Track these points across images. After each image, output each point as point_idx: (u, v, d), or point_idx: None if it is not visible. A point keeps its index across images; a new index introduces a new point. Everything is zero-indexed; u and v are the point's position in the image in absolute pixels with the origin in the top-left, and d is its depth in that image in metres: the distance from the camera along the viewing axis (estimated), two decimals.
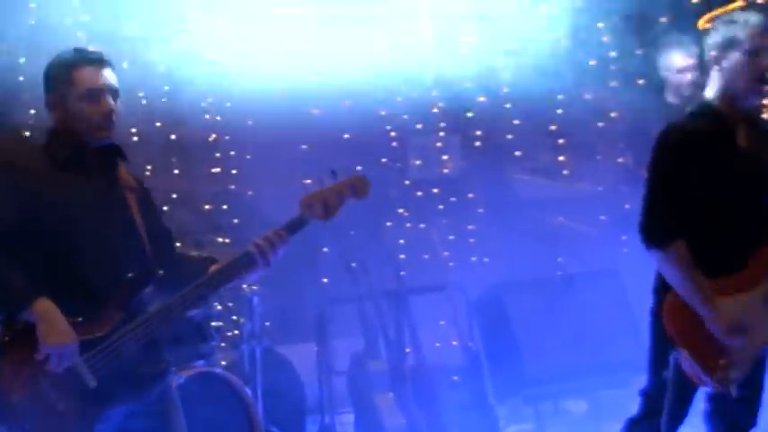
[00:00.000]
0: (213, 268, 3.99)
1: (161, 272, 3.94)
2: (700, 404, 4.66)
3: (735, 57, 4.34)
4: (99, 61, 3.91)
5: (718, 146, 4.36)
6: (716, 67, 4.41)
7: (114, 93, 3.91)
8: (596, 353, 6.76)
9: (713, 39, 4.43)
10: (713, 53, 4.40)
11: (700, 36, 4.62)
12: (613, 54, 8.09)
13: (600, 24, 8.21)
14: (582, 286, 7.02)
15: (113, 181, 3.98)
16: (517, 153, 7.93)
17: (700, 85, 4.65)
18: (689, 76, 7.04)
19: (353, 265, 6.63)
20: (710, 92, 4.45)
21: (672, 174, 4.35)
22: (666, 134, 4.41)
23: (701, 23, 9.06)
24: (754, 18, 4.41)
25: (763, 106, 8.57)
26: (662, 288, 4.42)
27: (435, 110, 7.79)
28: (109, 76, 3.91)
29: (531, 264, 7.32)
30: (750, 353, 4.40)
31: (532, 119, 7.92)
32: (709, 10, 9.20)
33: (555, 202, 7.94)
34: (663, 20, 8.39)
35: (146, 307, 3.91)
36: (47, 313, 3.66)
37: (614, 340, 6.72)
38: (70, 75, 3.86)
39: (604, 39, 8.23)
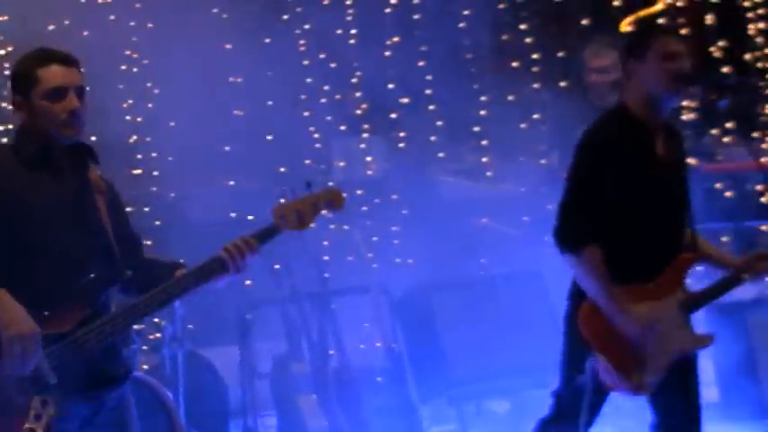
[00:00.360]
0: (180, 272, 3.96)
1: (129, 273, 3.92)
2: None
3: (651, 60, 4.40)
4: (65, 60, 3.88)
5: (634, 151, 4.40)
6: (633, 71, 4.46)
7: (80, 91, 3.88)
8: (519, 353, 6.81)
9: (631, 41, 4.49)
10: (631, 56, 4.46)
11: (621, 38, 4.67)
12: (536, 56, 8.18)
13: (522, 26, 8.29)
14: (505, 287, 7.06)
15: (83, 181, 3.95)
16: (441, 154, 7.98)
17: (620, 87, 4.70)
18: (610, 78, 7.12)
19: (276, 266, 6.61)
20: (628, 95, 4.49)
21: (586, 178, 4.39)
22: (584, 139, 4.45)
23: (623, 26, 9.21)
24: (668, 21, 4.48)
25: (683, 108, 8.74)
26: (577, 293, 4.45)
27: (359, 111, 7.81)
28: (74, 74, 3.89)
29: (454, 265, 7.35)
30: (663, 360, 4.45)
31: (456, 120, 7.97)
32: (631, 13, 9.35)
33: (478, 203, 8.00)
34: (584, 22, 8.50)
35: (111, 308, 3.89)
36: (4, 303, 3.61)
37: (537, 341, 6.76)
38: (36, 73, 3.83)
39: (527, 41, 8.32)
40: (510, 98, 8.01)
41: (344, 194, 4.32)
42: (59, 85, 3.83)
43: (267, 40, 7.42)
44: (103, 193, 4.01)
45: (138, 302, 3.85)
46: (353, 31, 7.75)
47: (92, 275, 3.80)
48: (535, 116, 7.94)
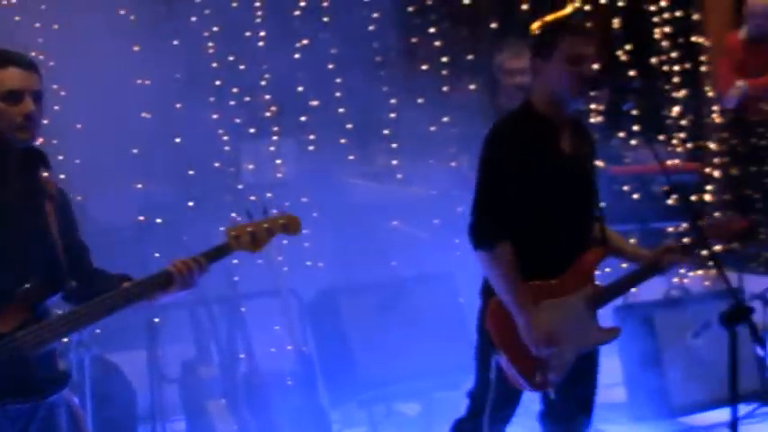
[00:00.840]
0: (126, 284, 3.92)
1: (73, 283, 3.89)
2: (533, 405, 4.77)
3: (557, 60, 4.45)
4: (23, 63, 3.84)
5: (539, 147, 4.44)
6: (539, 69, 4.51)
7: (37, 96, 3.84)
8: (429, 355, 6.84)
9: (539, 41, 4.54)
10: (538, 55, 4.51)
11: (530, 40, 4.72)
12: (445, 59, 8.23)
13: (432, 29, 8.34)
14: (415, 289, 7.09)
15: (33, 186, 3.91)
16: (350, 157, 7.99)
17: (529, 89, 4.75)
18: (519, 79, 7.19)
19: None
20: (534, 93, 4.55)
21: (495, 175, 4.43)
22: (491, 135, 4.49)
23: (533, 29, 9.28)
24: (575, 23, 4.54)
25: (591, 111, 8.85)
26: (488, 290, 4.49)
27: (268, 114, 7.79)
28: (32, 78, 3.84)
29: (364, 268, 7.37)
30: (567, 357, 4.50)
31: (366, 123, 7.99)
32: (539, 17, 9.44)
33: (388, 205, 8.02)
34: (493, 25, 8.57)
35: (51, 315, 3.85)
36: None
37: (447, 342, 6.81)
38: None
39: (436, 44, 8.37)
40: (420, 101, 8.05)
41: (300, 221, 4.30)
42: (16, 88, 3.79)
43: (175, 42, 7.37)
44: (54, 199, 3.96)
45: (79, 310, 3.82)
46: (262, 33, 7.73)
47: (34, 282, 3.76)
48: (445, 119, 7.98)
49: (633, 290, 8.80)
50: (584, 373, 4.60)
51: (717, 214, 9.17)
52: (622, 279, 4.71)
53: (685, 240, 4.90)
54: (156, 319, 6.68)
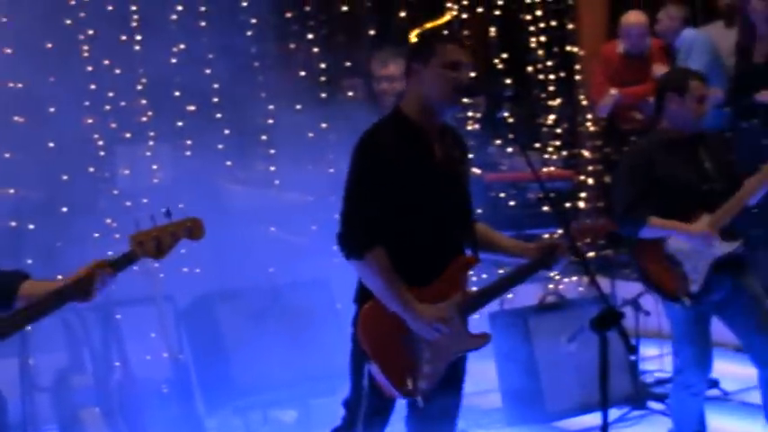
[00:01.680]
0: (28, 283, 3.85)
1: None
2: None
3: (432, 68, 4.48)
4: None
5: (410, 153, 4.45)
6: (414, 75, 4.53)
7: None
8: (306, 362, 6.84)
9: (415, 46, 4.56)
10: (412, 64, 4.53)
11: (407, 47, 4.75)
12: (323, 66, 8.24)
13: (309, 36, 8.35)
14: (292, 295, 7.09)
15: None
16: (228, 163, 7.95)
17: (401, 95, 4.77)
18: (396, 85, 7.25)
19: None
20: (407, 101, 4.57)
21: (364, 183, 4.43)
22: (360, 143, 4.48)
23: (411, 37, 9.37)
24: (451, 31, 4.57)
25: (467, 119, 8.95)
26: (362, 297, 4.50)
27: (144, 119, 7.72)
28: None
29: (241, 274, 7.34)
30: (440, 364, 4.53)
31: (243, 129, 7.96)
32: (417, 25, 9.53)
33: (266, 212, 7.99)
34: (371, 33, 8.61)
35: None
36: None
37: (324, 349, 6.82)
38: None
39: (314, 50, 8.38)
40: (298, 107, 8.05)
41: (203, 224, 4.29)
42: None
43: (49, 45, 7.26)
44: None
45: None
46: (138, 38, 7.66)
47: None
48: (323, 125, 8.00)
49: (509, 296, 8.95)
50: (452, 380, 4.63)
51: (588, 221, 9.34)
52: (496, 282, 4.73)
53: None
54: (28, 327, 6.56)
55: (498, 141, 9.28)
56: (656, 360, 8.27)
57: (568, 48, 10.32)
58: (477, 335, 4.64)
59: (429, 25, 9.56)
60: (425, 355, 4.46)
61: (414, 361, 4.45)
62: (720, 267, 5.87)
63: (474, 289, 4.70)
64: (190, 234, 4.22)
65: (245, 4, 8.03)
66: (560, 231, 7.58)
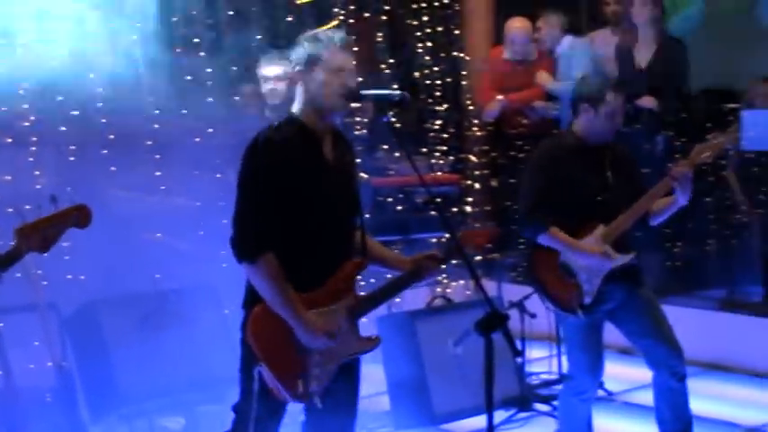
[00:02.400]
0: None
1: None
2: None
3: (318, 73, 4.50)
4: None
5: (303, 158, 4.47)
6: (301, 82, 4.55)
7: None
8: (193, 368, 6.80)
9: (299, 54, 4.57)
10: (299, 68, 4.54)
11: (294, 51, 4.74)
12: (209, 70, 8.19)
13: (196, 40, 8.29)
14: (178, 301, 7.04)
15: None
16: (113, 168, 7.85)
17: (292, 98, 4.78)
18: (282, 87, 7.25)
19: None
20: (296, 105, 4.58)
21: (256, 186, 4.42)
22: (252, 146, 4.48)
23: (300, 41, 9.35)
24: (337, 36, 4.59)
25: (355, 123, 8.97)
26: (251, 302, 4.50)
27: (27, 123, 7.58)
28: None
29: (126, 280, 7.26)
30: (330, 366, 4.55)
31: (128, 134, 7.87)
32: (305, 29, 9.51)
33: (152, 217, 7.92)
34: (259, 37, 8.58)
35: None
36: None
37: (211, 355, 6.79)
38: None
39: (201, 54, 8.32)
40: (184, 112, 7.99)
41: (90, 211, 4.24)
42: None
43: None
44: None
45: None
46: (21, 41, 7.52)
47: None
48: (210, 130, 7.95)
49: (397, 299, 9.01)
50: (346, 381, 4.66)
51: (477, 225, 9.42)
52: (383, 288, 4.78)
53: (439, 249, 5.00)
54: None
55: (386, 146, 9.30)
56: (543, 362, 8.39)
57: (455, 53, 10.41)
58: (366, 338, 4.68)
59: (316, 30, 9.54)
60: (315, 359, 4.48)
61: (303, 364, 4.47)
62: (613, 277, 5.95)
63: (363, 293, 4.73)
64: (77, 222, 4.16)
65: (130, 7, 7.94)
66: (447, 235, 7.64)
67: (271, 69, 7.42)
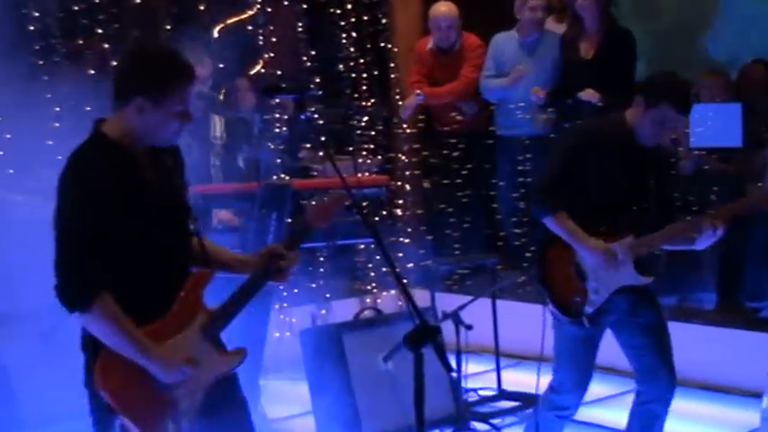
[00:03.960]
0: None
1: None
2: None
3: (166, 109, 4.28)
4: None
5: (122, 180, 4.28)
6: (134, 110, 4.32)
7: None
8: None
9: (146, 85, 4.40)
10: (140, 99, 4.29)
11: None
12: (114, 63, 8.15)
13: (99, 30, 8.25)
14: None
15: None
16: (10, 171, 7.79)
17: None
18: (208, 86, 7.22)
19: None
20: (113, 126, 4.34)
21: (80, 219, 4.17)
22: (66, 173, 4.25)
23: (214, 32, 9.35)
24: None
25: (275, 121, 8.95)
26: (91, 345, 4.31)
27: None
28: None
29: (25, 294, 7.19)
30: (198, 394, 4.43)
31: (26, 133, 7.82)
32: (219, 20, 9.51)
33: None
34: (168, 27, 8.56)
35: None
36: None
37: None
38: None
39: (105, 46, 8.28)
40: (88, 108, 7.93)
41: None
42: None
43: None
44: None
45: None
46: None
47: None
48: None
49: (323, 311, 9.00)
50: (226, 400, 4.56)
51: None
52: (233, 296, 4.55)
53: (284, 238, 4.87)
54: None
55: (308, 145, 9.30)
56: (482, 377, 8.44)
57: (382, 44, 10.43)
58: (230, 352, 4.55)
59: (231, 21, 9.55)
60: (179, 392, 4.35)
61: (169, 403, 4.34)
62: (622, 291, 5.91)
63: (214, 307, 4.53)
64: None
65: None
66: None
67: (199, 69, 7.39)
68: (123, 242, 4.24)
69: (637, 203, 5.88)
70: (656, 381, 5.98)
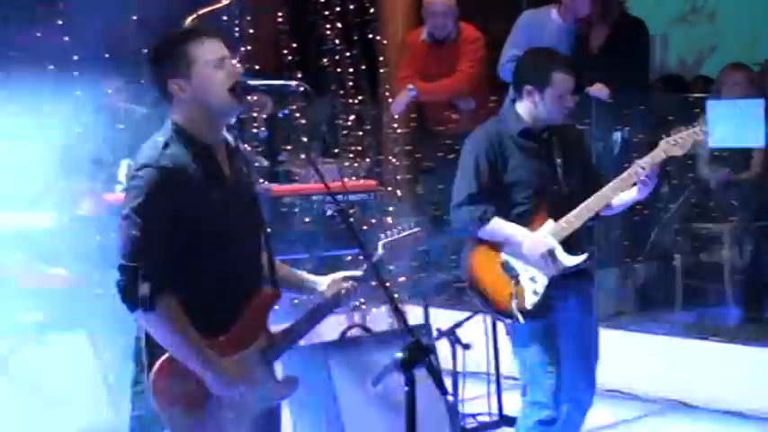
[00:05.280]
0: None
1: None
2: None
3: (197, 74, 4.42)
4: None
5: (198, 178, 4.37)
6: (178, 90, 4.44)
7: None
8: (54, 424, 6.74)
9: (165, 60, 4.46)
10: (170, 76, 4.44)
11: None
12: (76, 57, 8.15)
13: (59, 21, 8.24)
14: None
15: None
16: None
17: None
18: None
19: None
20: (182, 114, 4.46)
21: (149, 216, 4.28)
22: (134, 171, 4.39)
23: (188, 22, 9.33)
24: (203, 28, 4.57)
25: (253, 120, 8.93)
26: (149, 354, 4.38)
27: None
28: None
29: None
30: (245, 420, 4.49)
31: None
32: (193, 9, 9.49)
33: (9, 237, 7.85)
34: (134, 17, 8.56)
35: None
36: None
37: (80, 406, 6.74)
38: None
39: (65, 39, 8.27)
40: (45, 108, 7.93)
41: None
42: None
43: None
44: None
45: None
46: None
47: None
48: (78, 130, 7.91)
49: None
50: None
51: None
52: (300, 321, 4.69)
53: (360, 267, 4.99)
54: None
55: (288, 147, 9.27)
56: (481, 401, 8.42)
57: (370, 36, 10.41)
58: (284, 380, 4.67)
59: (204, 11, 9.52)
60: (227, 416, 4.44)
61: (213, 425, 4.42)
62: (564, 278, 6.06)
63: (278, 329, 4.66)
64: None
65: None
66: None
67: None
68: (192, 244, 4.34)
69: (548, 187, 6.12)
70: (576, 388, 6.19)
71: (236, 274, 4.48)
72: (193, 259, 4.37)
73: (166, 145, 4.40)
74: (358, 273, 4.85)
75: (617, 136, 9.44)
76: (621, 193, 6.07)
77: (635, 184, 6.01)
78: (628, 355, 8.59)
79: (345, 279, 4.82)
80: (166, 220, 4.30)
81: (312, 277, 4.95)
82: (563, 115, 6.17)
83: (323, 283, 4.85)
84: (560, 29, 9.66)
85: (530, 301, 6.01)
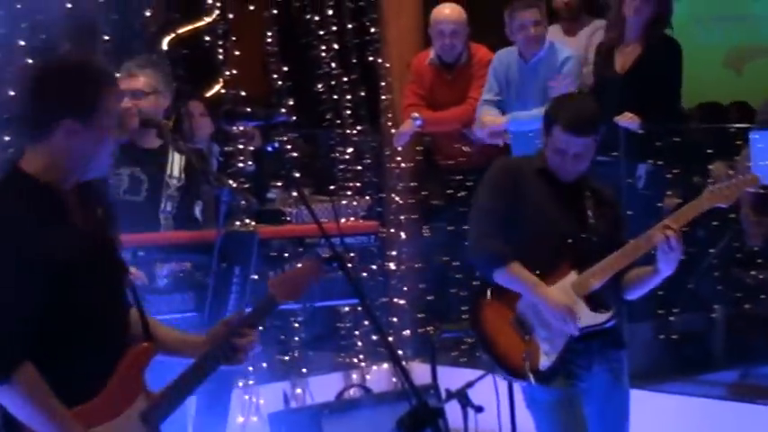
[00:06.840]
0: None
1: None
2: None
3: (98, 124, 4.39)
4: None
5: (52, 228, 4.27)
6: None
7: None
8: None
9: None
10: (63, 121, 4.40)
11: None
12: None
13: (21, 43, 8.30)
14: None
15: None
16: None
17: None
18: (143, 103, 7.27)
19: None
20: (34, 160, 4.37)
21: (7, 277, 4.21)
22: None
23: (164, 44, 9.38)
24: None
25: (239, 153, 8.94)
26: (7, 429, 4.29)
27: None
28: None
29: None
30: None
31: None
32: (169, 29, 9.53)
33: None
34: (106, 37, 8.60)
35: None
36: None
37: None
38: None
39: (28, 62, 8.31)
40: (6, 138, 7.97)
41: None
42: None
43: None
44: None
45: None
46: None
47: None
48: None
49: (297, 390, 8.96)
50: None
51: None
52: (178, 381, 4.57)
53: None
54: None
55: (278, 183, 9.28)
56: None
57: (371, 59, 10.43)
58: None
59: (184, 31, 9.57)
60: None
61: None
62: (584, 342, 6.05)
63: (158, 391, 4.54)
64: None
65: None
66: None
67: (133, 80, 7.37)
68: (48, 303, 4.23)
69: (574, 237, 6.11)
70: None
71: (98, 331, 4.40)
72: (49, 321, 4.26)
73: (8, 193, 4.35)
74: (239, 323, 4.72)
75: (641, 170, 9.40)
76: (639, 268, 6.10)
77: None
78: (662, 420, 8.56)
79: (224, 324, 4.70)
80: (14, 281, 4.19)
81: (194, 336, 4.82)
82: (569, 173, 6.16)
83: (204, 339, 4.70)
84: (522, 67, 9.68)
85: (543, 361, 5.98)
